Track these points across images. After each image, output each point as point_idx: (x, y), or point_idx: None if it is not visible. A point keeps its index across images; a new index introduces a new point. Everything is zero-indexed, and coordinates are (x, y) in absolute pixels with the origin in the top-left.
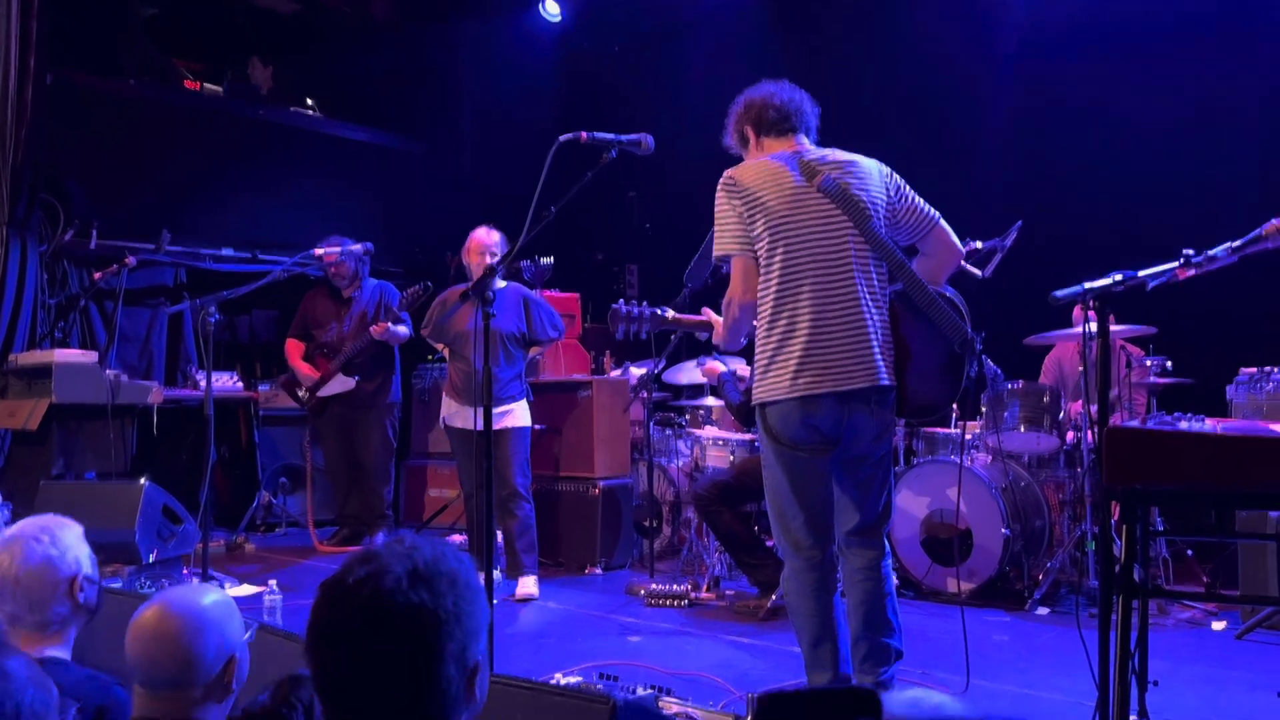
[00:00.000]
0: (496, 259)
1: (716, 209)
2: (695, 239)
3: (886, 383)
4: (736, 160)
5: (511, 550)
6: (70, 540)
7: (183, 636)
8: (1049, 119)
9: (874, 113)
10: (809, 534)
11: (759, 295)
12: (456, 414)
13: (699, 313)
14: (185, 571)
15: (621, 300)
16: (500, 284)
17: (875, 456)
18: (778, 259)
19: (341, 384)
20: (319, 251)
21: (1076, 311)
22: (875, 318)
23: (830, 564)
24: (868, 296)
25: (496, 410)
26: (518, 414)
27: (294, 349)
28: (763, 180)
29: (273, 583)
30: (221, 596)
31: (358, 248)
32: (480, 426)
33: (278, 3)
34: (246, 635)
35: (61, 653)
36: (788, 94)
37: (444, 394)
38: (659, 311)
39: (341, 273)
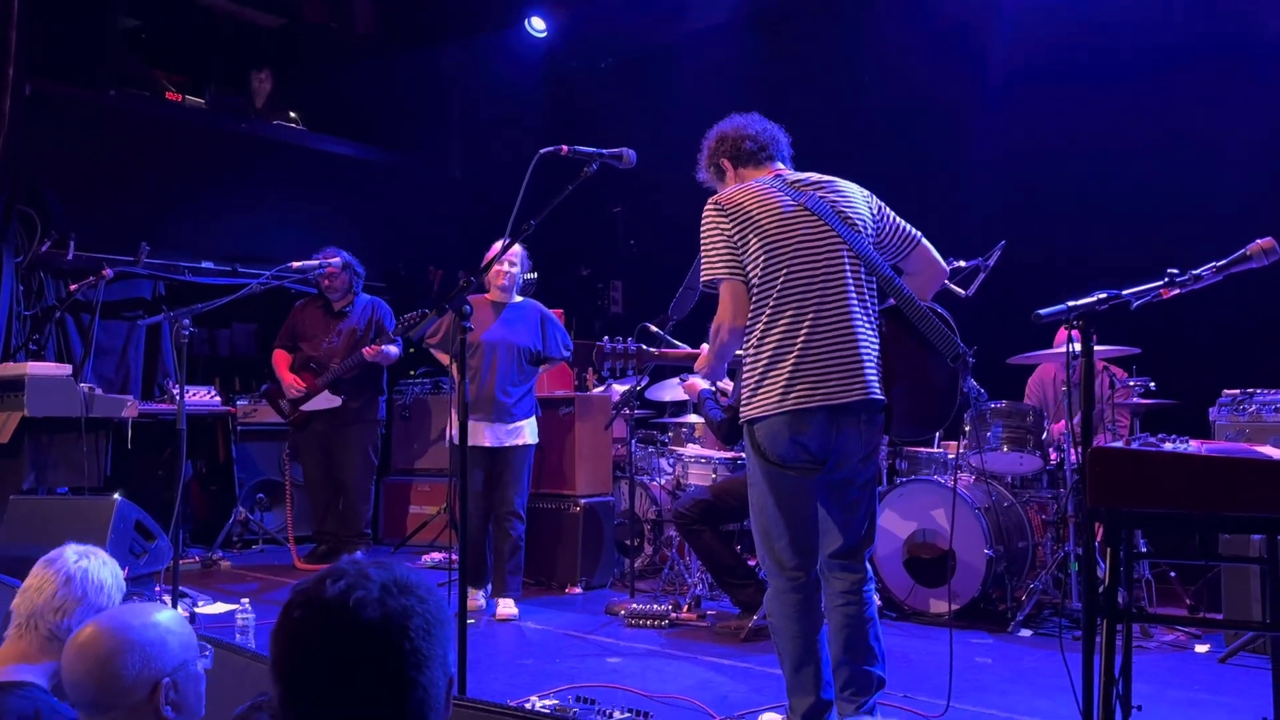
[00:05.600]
0: (517, 269)
1: (704, 234)
2: (680, 256)
3: (877, 397)
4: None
5: (500, 569)
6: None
7: (101, 656)
8: (1033, 139)
9: (859, 133)
10: (794, 554)
11: (749, 316)
12: (469, 430)
13: (686, 343)
14: (158, 589)
15: (606, 337)
16: (517, 299)
17: (861, 479)
18: (774, 279)
19: (327, 401)
20: (310, 264)
21: (1060, 333)
22: (866, 333)
23: (815, 585)
24: (860, 312)
25: (508, 427)
26: (527, 432)
27: (281, 359)
28: (752, 202)
29: (245, 601)
30: (163, 618)
31: (337, 259)
32: (494, 442)
33: (261, 16)
34: (199, 662)
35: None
36: (760, 124)
37: (452, 410)
38: (645, 347)
39: (335, 285)
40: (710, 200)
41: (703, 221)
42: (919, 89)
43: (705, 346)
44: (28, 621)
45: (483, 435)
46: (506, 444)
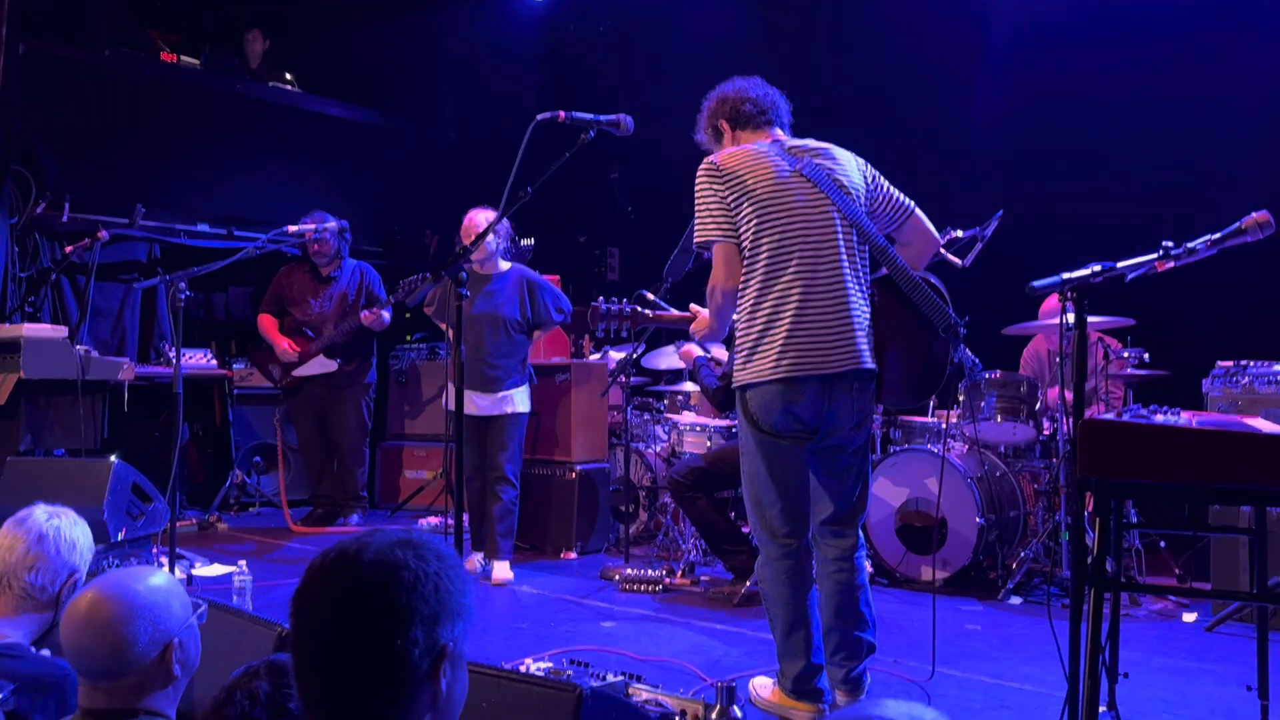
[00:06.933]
0: (489, 236)
1: (698, 195)
2: (678, 223)
3: (869, 366)
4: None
5: (491, 534)
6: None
7: (112, 624)
8: (1032, 108)
9: (857, 98)
10: (785, 522)
11: (742, 281)
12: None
13: (682, 307)
14: (155, 550)
15: (601, 298)
16: (504, 265)
17: (853, 446)
18: (764, 244)
19: (322, 365)
20: (307, 227)
21: (1046, 304)
22: (859, 301)
23: (806, 552)
24: (852, 280)
25: (496, 396)
26: (517, 400)
27: (270, 324)
28: (746, 166)
29: (242, 563)
30: (161, 580)
31: (333, 224)
32: (483, 410)
33: None
34: (194, 617)
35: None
36: (761, 89)
37: (449, 378)
38: (639, 309)
39: (324, 250)
40: (705, 161)
41: (696, 183)
42: (919, 56)
43: (693, 307)
44: (1, 580)
45: (473, 404)
46: (494, 412)
